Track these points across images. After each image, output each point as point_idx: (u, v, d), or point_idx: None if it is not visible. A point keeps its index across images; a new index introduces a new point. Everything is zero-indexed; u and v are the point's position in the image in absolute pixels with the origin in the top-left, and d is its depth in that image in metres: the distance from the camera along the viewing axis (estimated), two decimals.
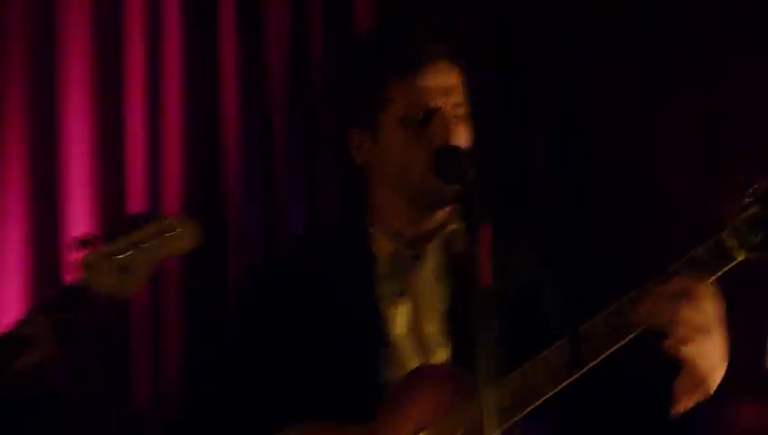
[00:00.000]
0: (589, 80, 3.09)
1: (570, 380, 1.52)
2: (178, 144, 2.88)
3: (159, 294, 2.84)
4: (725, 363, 1.48)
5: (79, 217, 2.83)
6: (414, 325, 1.74)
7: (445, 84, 1.69)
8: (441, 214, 1.74)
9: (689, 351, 1.42)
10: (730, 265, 1.51)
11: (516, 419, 1.54)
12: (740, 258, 1.50)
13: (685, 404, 1.48)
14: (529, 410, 1.55)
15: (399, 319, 1.74)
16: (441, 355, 1.72)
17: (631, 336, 1.51)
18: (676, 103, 3.16)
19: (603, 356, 1.51)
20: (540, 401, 1.54)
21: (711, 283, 1.48)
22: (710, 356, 1.44)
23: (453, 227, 1.75)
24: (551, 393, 1.53)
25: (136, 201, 2.84)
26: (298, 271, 1.83)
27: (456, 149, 1.63)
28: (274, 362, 1.75)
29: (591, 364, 1.51)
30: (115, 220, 1.84)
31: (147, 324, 2.83)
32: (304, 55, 2.91)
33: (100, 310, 1.69)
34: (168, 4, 2.85)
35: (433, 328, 1.74)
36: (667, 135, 3.22)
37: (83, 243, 1.63)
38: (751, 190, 1.55)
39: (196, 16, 2.88)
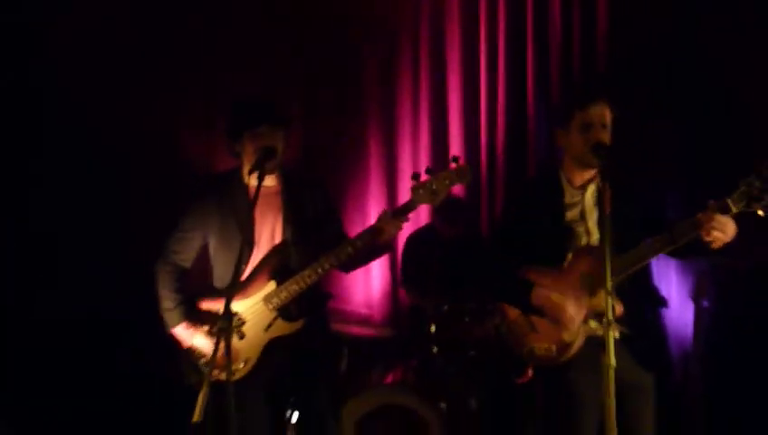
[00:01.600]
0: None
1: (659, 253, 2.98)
2: (503, 108, 5.43)
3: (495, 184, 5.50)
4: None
5: (456, 131, 5.52)
6: (582, 222, 3.17)
7: (598, 114, 3.08)
8: (593, 172, 3.14)
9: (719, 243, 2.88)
10: (732, 213, 2.86)
11: (629, 272, 2.97)
12: (736, 210, 2.86)
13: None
14: (634, 269, 2.97)
15: (574, 218, 3.16)
16: (594, 237, 3.14)
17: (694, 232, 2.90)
18: None
19: (683, 242, 2.91)
20: (640, 265, 2.98)
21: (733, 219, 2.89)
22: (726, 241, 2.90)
23: (599, 177, 3.13)
24: (650, 259, 3.00)
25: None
26: (533, 191, 3.35)
27: (601, 143, 3.01)
28: (521, 228, 3.23)
29: (677, 245, 2.92)
30: (440, 169, 3.23)
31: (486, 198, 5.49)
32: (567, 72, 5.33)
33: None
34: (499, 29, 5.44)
35: (591, 224, 3.15)
36: None
37: (416, 176, 3.21)
38: (755, 171, 2.85)
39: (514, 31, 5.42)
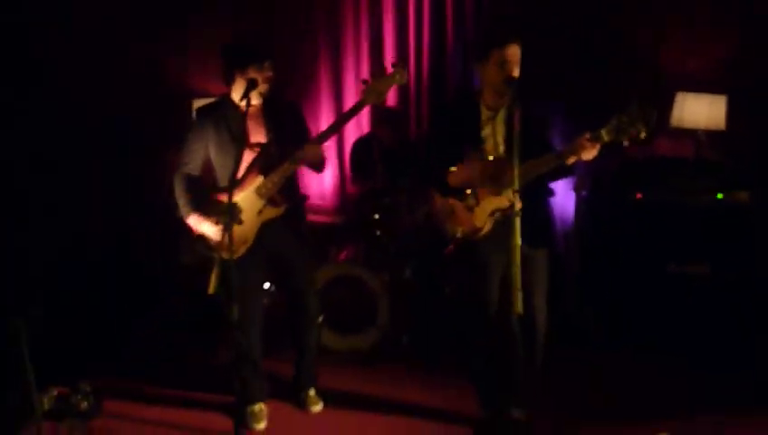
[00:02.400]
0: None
1: (553, 166, 3.43)
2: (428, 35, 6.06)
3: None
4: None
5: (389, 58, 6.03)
6: (492, 137, 3.65)
7: (513, 51, 3.50)
8: (506, 98, 3.58)
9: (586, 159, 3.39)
10: (605, 141, 3.32)
11: (528, 178, 3.36)
12: (607, 140, 3.32)
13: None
14: (532, 176, 3.42)
15: (487, 134, 3.64)
16: (501, 149, 3.61)
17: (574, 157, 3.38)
18: None
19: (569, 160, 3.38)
20: (537, 174, 3.43)
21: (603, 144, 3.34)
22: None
23: (509, 103, 3.58)
24: (544, 170, 3.45)
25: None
26: (455, 108, 3.88)
27: (512, 76, 3.47)
28: (445, 138, 3.74)
29: (561, 162, 3.40)
30: (382, 72, 3.72)
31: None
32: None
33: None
34: None
35: (500, 139, 3.63)
36: None
37: (365, 81, 3.75)
38: (624, 110, 3.27)
39: None
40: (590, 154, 3.37)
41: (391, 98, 6.09)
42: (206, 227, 3.86)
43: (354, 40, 6.19)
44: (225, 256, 3.45)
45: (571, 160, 3.42)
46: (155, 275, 5.72)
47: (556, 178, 3.71)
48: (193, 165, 3.99)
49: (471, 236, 3.68)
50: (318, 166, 4.05)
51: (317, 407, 4.32)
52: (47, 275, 5.38)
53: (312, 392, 4.37)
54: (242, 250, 3.85)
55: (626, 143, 3.28)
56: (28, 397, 3.53)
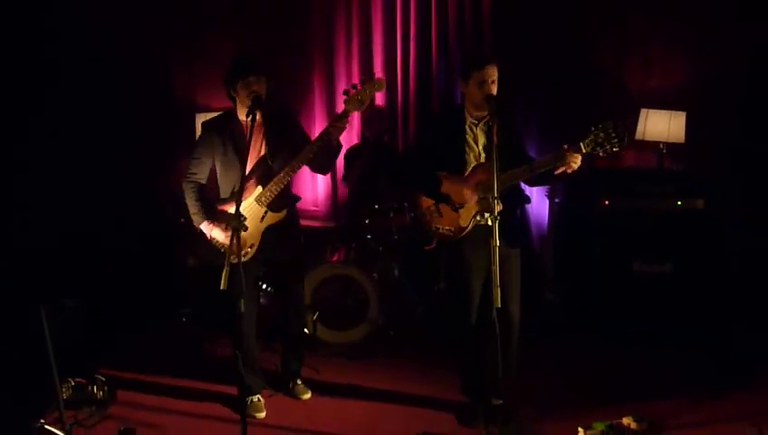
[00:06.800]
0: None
1: (528, 176, 3.60)
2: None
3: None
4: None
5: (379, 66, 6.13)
6: (475, 145, 3.73)
7: (490, 72, 3.62)
8: (484, 112, 3.67)
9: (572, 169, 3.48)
10: (583, 153, 3.42)
11: (506, 185, 3.52)
12: (585, 151, 3.41)
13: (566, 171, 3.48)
14: (511, 183, 3.59)
15: (471, 143, 3.73)
16: (482, 158, 3.70)
17: (555, 163, 3.46)
18: None
19: (541, 170, 3.51)
20: (515, 182, 3.63)
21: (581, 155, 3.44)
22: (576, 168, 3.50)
23: (488, 117, 3.69)
24: (521, 180, 3.64)
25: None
26: (442, 120, 4.00)
27: (491, 94, 3.59)
28: (432, 146, 3.82)
29: (538, 172, 3.51)
30: (363, 81, 3.72)
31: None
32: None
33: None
34: None
35: (481, 148, 3.73)
36: None
37: (346, 91, 3.77)
38: (601, 125, 3.36)
39: None
40: (575, 165, 3.47)
41: (380, 100, 6.15)
42: (217, 233, 3.93)
43: (346, 55, 6.30)
44: (232, 259, 3.34)
45: (559, 170, 3.51)
46: (166, 274, 5.74)
47: (539, 184, 3.95)
48: (201, 175, 4.03)
49: (455, 234, 3.75)
50: (333, 153, 4.01)
51: (306, 395, 4.34)
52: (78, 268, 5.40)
53: (299, 382, 4.39)
54: (248, 254, 3.91)
55: (602, 155, 3.38)
56: (51, 384, 3.60)
